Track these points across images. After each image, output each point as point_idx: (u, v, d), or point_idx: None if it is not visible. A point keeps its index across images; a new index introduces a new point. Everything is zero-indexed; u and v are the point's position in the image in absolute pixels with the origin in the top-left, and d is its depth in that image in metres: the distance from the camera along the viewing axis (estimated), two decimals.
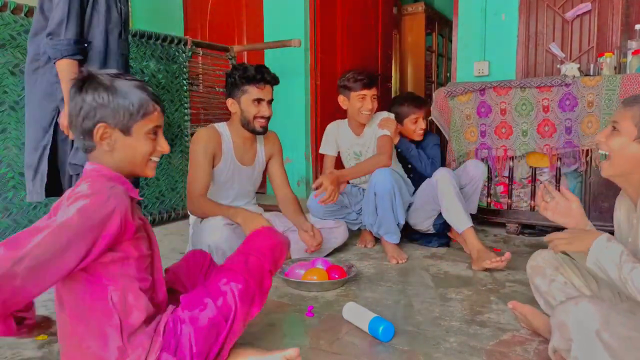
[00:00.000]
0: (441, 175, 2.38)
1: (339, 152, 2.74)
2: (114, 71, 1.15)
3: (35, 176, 1.82)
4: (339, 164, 2.73)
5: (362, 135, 2.65)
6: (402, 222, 2.43)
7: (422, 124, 2.72)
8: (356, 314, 1.58)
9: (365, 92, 2.50)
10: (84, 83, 1.10)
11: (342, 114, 2.75)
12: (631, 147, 1.22)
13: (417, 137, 2.76)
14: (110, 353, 1.04)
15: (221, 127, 2.26)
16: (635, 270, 1.12)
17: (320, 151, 2.75)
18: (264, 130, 2.24)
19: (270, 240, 1.32)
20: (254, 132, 2.23)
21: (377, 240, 2.69)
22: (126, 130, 1.11)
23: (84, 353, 1.05)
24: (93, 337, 1.04)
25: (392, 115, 2.65)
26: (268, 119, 2.22)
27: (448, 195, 2.32)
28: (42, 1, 1.87)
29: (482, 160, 2.96)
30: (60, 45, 1.76)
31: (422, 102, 2.82)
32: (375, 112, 2.60)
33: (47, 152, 1.79)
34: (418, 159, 2.73)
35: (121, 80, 1.11)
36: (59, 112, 1.80)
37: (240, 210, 2.12)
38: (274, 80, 2.21)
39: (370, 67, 4.40)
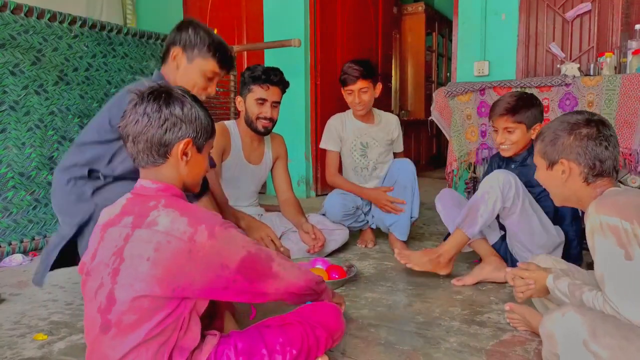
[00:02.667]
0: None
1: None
2: (182, 89, 1.15)
3: (46, 260, 1.62)
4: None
5: (372, 125, 2.62)
6: (416, 216, 2.48)
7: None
8: None
9: (351, 87, 2.46)
10: (168, 96, 1.09)
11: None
12: (550, 176, 1.34)
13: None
14: None
15: (230, 124, 2.31)
16: (584, 295, 1.17)
17: (322, 146, 2.65)
18: (266, 131, 2.25)
19: (338, 324, 1.28)
20: (256, 132, 2.26)
21: (378, 239, 2.69)
22: (200, 148, 1.14)
23: None
24: (145, 352, 0.99)
25: (399, 124, 2.73)
26: (271, 120, 2.24)
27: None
28: (110, 115, 1.57)
29: (483, 160, 2.96)
30: None
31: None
32: (371, 105, 2.57)
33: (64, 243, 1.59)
34: None
35: (196, 100, 1.14)
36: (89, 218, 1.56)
37: (245, 215, 2.13)
38: (281, 83, 2.21)
39: None
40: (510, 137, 2.00)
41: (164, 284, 0.98)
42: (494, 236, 2.11)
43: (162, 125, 1.07)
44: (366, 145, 2.61)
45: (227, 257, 1.03)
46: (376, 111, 2.67)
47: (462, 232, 1.94)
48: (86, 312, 1.06)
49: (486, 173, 2.30)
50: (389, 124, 2.67)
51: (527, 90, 2.72)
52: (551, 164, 1.31)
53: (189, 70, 1.65)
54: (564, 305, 1.16)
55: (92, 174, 1.58)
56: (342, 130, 2.63)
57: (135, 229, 1.02)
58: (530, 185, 1.97)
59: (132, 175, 1.53)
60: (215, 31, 1.78)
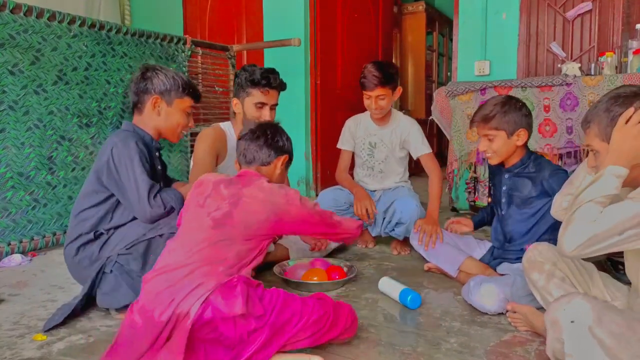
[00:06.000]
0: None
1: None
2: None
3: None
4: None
5: (383, 127, 2.57)
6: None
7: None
8: (389, 285, 1.87)
9: (369, 93, 2.43)
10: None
11: (342, 113, 2.73)
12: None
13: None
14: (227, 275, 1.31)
15: (226, 126, 2.28)
16: None
17: (338, 146, 2.69)
18: None
19: (352, 323, 1.46)
20: None
21: (378, 240, 2.68)
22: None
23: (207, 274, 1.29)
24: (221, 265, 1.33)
25: (416, 125, 2.59)
26: None
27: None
28: (99, 172, 1.68)
29: (484, 160, 2.95)
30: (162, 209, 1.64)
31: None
32: (389, 109, 2.53)
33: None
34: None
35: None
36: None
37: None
38: (280, 86, 2.20)
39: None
40: (491, 145, 1.87)
41: (270, 218, 1.41)
42: (479, 252, 2.11)
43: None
44: (374, 146, 2.59)
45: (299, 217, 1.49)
46: (395, 114, 2.60)
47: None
48: (190, 216, 1.44)
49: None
50: (400, 127, 2.57)
51: (528, 90, 2.72)
52: None
53: (170, 112, 1.80)
54: (570, 293, 1.17)
55: (96, 234, 1.70)
56: (355, 130, 2.63)
57: (246, 186, 1.46)
58: (524, 202, 1.89)
59: (132, 220, 1.68)
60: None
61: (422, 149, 2.54)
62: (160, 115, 1.78)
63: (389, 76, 2.41)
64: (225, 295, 1.24)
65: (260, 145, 1.58)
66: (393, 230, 2.44)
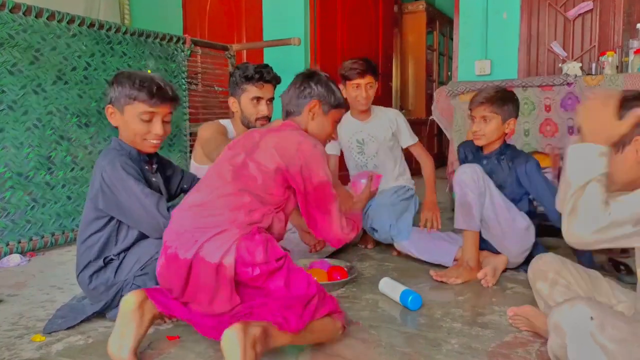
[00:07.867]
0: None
1: (341, 151, 2.67)
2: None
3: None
4: (341, 162, 2.68)
5: (367, 121, 2.57)
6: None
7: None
8: (390, 286, 1.85)
9: (359, 80, 2.44)
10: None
11: None
12: (620, 160, 1.17)
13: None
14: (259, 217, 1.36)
15: (226, 123, 2.30)
16: None
17: None
18: None
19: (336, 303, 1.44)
20: None
21: (378, 241, 2.67)
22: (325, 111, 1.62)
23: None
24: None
25: (401, 116, 2.63)
26: (268, 118, 2.24)
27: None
28: (95, 199, 1.59)
29: None
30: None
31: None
32: (372, 102, 2.54)
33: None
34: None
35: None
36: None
37: None
38: (274, 80, 2.22)
39: None
40: (484, 127, 2.05)
41: (279, 167, 1.39)
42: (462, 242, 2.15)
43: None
44: (362, 142, 2.57)
45: (315, 169, 1.40)
46: (374, 108, 2.61)
47: (468, 232, 2.04)
48: (210, 172, 1.46)
49: (463, 160, 2.31)
50: (385, 118, 2.58)
51: (529, 90, 2.72)
52: (622, 146, 1.17)
53: (125, 121, 1.60)
54: (573, 298, 1.16)
55: (106, 260, 1.64)
56: (339, 132, 2.59)
57: (266, 135, 1.47)
58: (500, 186, 2.04)
59: (141, 239, 1.63)
60: (149, 71, 1.85)
61: (410, 139, 2.60)
62: (119, 126, 1.61)
63: (374, 66, 2.51)
64: (248, 245, 1.28)
65: (290, 96, 1.56)
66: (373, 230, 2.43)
